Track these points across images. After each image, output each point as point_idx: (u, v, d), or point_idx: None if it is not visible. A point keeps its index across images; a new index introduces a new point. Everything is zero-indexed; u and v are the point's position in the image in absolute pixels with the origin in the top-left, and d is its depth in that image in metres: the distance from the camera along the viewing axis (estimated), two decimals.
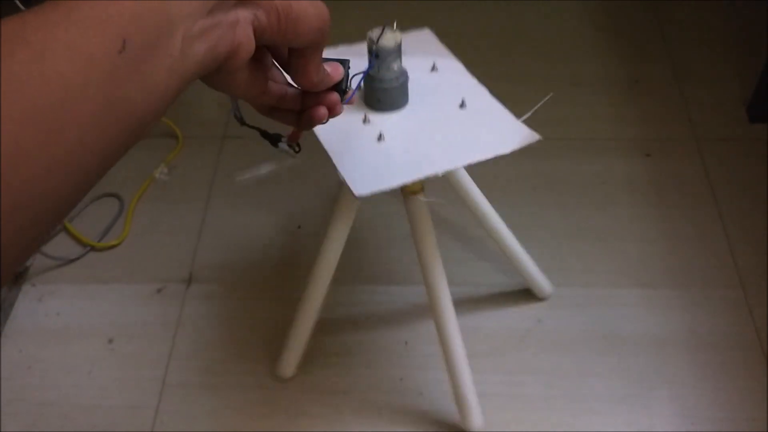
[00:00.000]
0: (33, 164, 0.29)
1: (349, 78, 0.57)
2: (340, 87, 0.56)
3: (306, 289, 0.99)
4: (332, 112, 0.55)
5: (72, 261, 1.25)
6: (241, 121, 0.72)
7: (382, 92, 0.83)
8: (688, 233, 1.24)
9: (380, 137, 0.81)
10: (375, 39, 0.79)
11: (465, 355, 0.95)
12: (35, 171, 0.29)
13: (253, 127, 0.68)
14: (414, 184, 0.83)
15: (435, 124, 0.83)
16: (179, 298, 1.19)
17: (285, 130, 0.61)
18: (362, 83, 0.84)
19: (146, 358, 1.12)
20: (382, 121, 0.83)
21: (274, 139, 0.71)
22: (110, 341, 1.14)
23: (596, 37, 1.61)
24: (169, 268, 1.23)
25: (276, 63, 0.52)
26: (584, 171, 1.34)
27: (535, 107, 0.90)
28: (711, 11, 1.65)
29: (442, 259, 1.05)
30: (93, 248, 1.27)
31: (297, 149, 0.71)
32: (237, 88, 0.46)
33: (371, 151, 0.80)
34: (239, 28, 0.40)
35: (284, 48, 0.50)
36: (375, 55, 0.79)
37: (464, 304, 1.16)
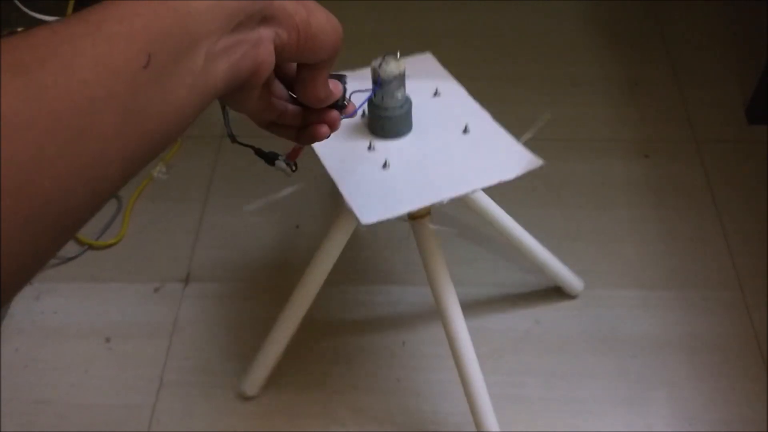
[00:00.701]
0: (54, 172, 0.30)
1: (347, 94, 0.57)
2: (338, 103, 0.56)
3: (286, 308, 0.99)
4: (332, 129, 0.55)
5: (70, 259, 1.25)
6: (233, 139, 0.71)
7: (387, 120, 0.84)
8: (686, 235, 1.23)
9: (385, 164, 0.82)
10: (378, 68, 0.80)
11: (482, 378, 0.94)
12: (56, 179, 0.30)
13: (247, 146, 0.68)
14: (420, 209, 0.83)
15: (439, 150, 0.84)
16: (177, 297, 1.19)
17: (280, 148, 0.61)
18: (366, 110, 0.85)
19: (143, 357, 1.12)
20: (386, 147, 0.84)
21: (270, 158, 0.70)
22: (107, 340, 1.14)
23: (596, 38, 1.61)
24: (167, 267, 1.23)
25: (278, 79, 0.52)
26: (583, 172, 1.34)
27: (534, 129, 0.91)
28: (711, 13, 1.65)
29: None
30: (91, 247, 1.26)
31: (294, 168, 0.71)
32: (251, 105, 0.47)
33: (377, 179, 0.81)
34: (262, 46, 0.40)
35: (293, 64, 0.50)
36: (379, 84, 0.80)
37: (462, 305, 1.16)
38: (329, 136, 0.56)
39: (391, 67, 0.79)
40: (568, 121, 1.43)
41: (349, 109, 0.57)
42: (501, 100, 1.48)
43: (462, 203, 1.00)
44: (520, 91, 1.50)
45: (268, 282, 1.20)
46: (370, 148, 0.84)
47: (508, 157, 0.83)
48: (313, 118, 0.54)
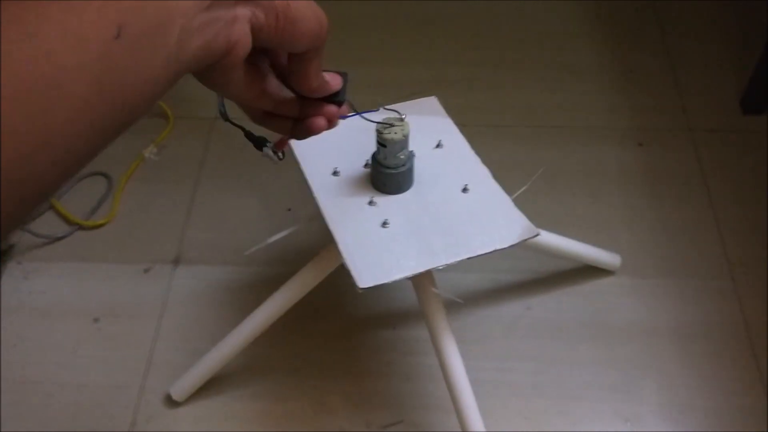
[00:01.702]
0: (20, 142, 0.29)
1: (345, 92, 0.56)
2: (339, 99, 0.55)
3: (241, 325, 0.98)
4: (330, 124, 0.55)
5: (59, 239, 1.24)
6: (225, 117, 0.71)
7: (388, 177, 0.86)
8: (679, 223, 1.23)
9: (385, 223, 0.83)
10: (383, 133, 0.81)
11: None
12: (22, 149, 0.29)
13: (238, 126, 0.67)
14: (423, 275, 0.83)
15: (438, 210, 0.86)
16: (166, 279, 1.18)
17: (271, 135, 0.60)
18: (369, 162, 0.88)
19: (132, 337, 1.11)
20: (387, 204, 0.86)
21: (258, 143, 0.70)
22: (96, 320, 1.13)
23: (592, 26, 1.60)
24: (157, 248, 1.22)
25: (273, 68, 0.51)
26: (577, 159, 1.34)
27: (527, 185, 0.92)
28: (708, 2, 1.65)
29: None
30: (80, 227, 1.26)
31: (281, 156, 0.70)
32: (231, 88, 0.46)
33: (376, 238, 0.83)
34: (237, 25, 0.40)
35: (284, 53, 0.49)
36: (383, 145, 0.82)
37: (454, 290, 1.16)
38: (325, 130, 0.55)
39: (396, 129, 0.81)
40: (562, 109, 1.43)
41: (343, 110, 0.56)
42: (497, 86, 1.48)
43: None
44: (515, 77, 1.49)
45: (258, 265, 1.19)
46: (371, 203, 0.86)
47: (505, 223, 0.85)
48: (310, 110, 0.53)
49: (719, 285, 1.15)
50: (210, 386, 1.05)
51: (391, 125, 0.82)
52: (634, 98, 1.45)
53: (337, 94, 0.54)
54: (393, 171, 0.85)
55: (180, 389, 1.02)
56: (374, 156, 0.85)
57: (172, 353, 1.09)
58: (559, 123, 1.40)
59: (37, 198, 0.32)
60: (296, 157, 0.90)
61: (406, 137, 0.82)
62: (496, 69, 1.51)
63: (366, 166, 0.90)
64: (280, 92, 0.51)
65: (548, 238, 1.04)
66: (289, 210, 1.27)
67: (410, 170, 0.86)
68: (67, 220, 1.26)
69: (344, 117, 0.58)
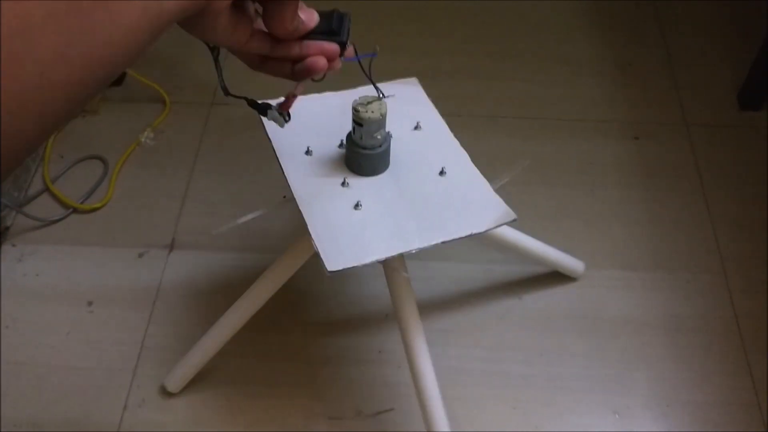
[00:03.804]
0: None
1: (346, 30, 0.54)
2: (339, 39, 0.53)
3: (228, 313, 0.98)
4: (331, 65, 0.53)
5: (54, 222, 1.24)
6: (226, 91, 0.70)
7: (364, 158, 0.82)
8: (673, 217, 1.24)
9: (357, 205, 0.80)
10: (360, 111, 0.78)
11: (446, 420, 0.92)
12: None
13: (239, 97, 0.67)
14: (393, 258, 0.79)
15: (413, 193, 0.82)
16: (161, 264, 1.18)
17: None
18: (344, 142, 0.84)
19: (125, 321, 1.12)
20: (361, 186, 0.83)
21: (262, 108, 0.69)
22: (89, 304, 1.14)
23: (590, 19, 1.60)
24: (152, 233, 1.23)
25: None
26: (572, 152, 1.34)
27: (511, 174, 0.90)
28: None
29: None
30: (75, 210, 1.26)
31: (287, 118, 0.70)
32: (219, 34, 0.45)
33: (347, 221, 0.79)
34: None
35: None
36: (359, 124, 0.79)
37: (447, 279, 1.16)
38: (326, 71, 0.53)
39: (373, 107, 0.78)
40: (558, 101, 1.43)
41: (349, 52, 0.55)
42: (493, 77, 1.48)
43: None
44: (512, 69, 1.49)
45: (253, 251, 1.20)
46: (344, 184, 0.83)
47: (481, 207, 0.81)
48: (309, 50, 0.52)
49: (711, 279, 1.16)
50: (202, 373, 1.05)
51: (368, 102, 0.78)
52: (631, 92, 1.45)
53: (336, 33, 0.53)
54: (369, 152, 0.81)
55: (173, 381, 1.03)
56: (350, 136, 0.82)
57: (165, 338, 1.10)
58: (554, 115, 1.40)
59: (14, 157, 0.31)
60: (267, 135, 0.87)
61: (383, 117, 0.78)
62: (492, 60, 1.51)
63: (341, 146, 0.86)
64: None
65: (514, 236, 1.03)
66: (285, 197, 1.27)
67: (386, 152, 0.83)
68: (62, 203, 1.26)
69: (348, 60, 0.56)
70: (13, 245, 1.21)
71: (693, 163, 1.31)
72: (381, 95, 0.76)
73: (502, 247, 1.05)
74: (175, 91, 1.43)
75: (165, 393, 1.04)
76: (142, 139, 1.36)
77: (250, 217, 0.90)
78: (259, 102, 0.65)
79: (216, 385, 1.05)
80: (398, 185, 0.83)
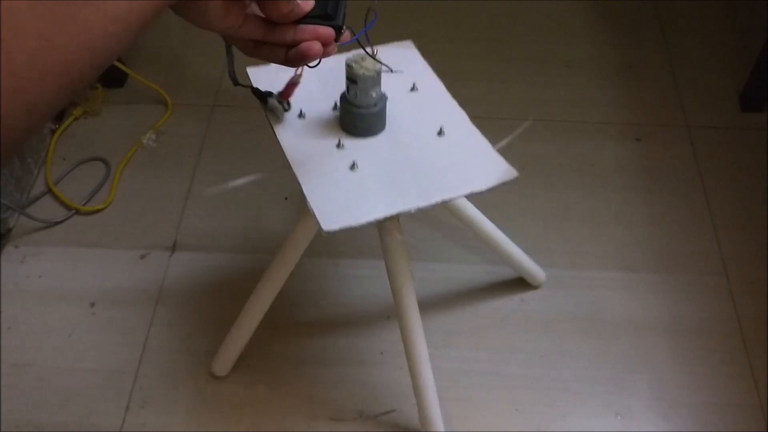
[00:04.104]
0: None
1: (342, 15, 0.53)
2: (335, 24, 0.52)
3: (253, 296, 0.98)
4: (326, 50, 0.52)
5: (56, 224, 1.24)
6: (235, 81, 0.71)
7: (359, 118, 0.80)
8: (675, 219, 1.24)
9: (353, 166, 0.78)
10: (353, 66, 0.76)
11: (433, 380, 0.93)
12: None
13: (244, 86, 0.67)
14: (389, 219, 0.77)
15: (411, 153, 0.80)
16: (163, 265, 1.18)
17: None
18: (338, 103, 0.81)
19: (128, 323, 1.12)
20: (356, 147, 0.80)
21: (263, 96, 0.70)
22: (92, 305, 1.14)
23: (592, 20, 1.60)
24: (154, 234, 1.23)
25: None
26: (574, 153, 1.34)
27: (513, 135, 0.88)
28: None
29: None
30: (78, 212, 1.26)
31: (287, 107, 0.70)
32: (211, 19, 0.45)
33: (343, 181, 0.77)
34: None
35: None
36: (353, 81, 0.77)
37: (449, 280, 1.16)
38: (321, 56, 0.52)
39: (367, 64, 0.76)
40: (560, 102, 1.43)
41: (345, 37, 0.54)
42: (494, 79, 1.48)
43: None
44: (513, 70, 1.49)
45: (256, 253, 1.20)
46: (339, 145, 0.80)
47: (482, 165, 0.79)
48: (304, 35, 0.51)
49: (713, 281, 1.16)
50: (204, 374, 1.05)
51: (361, 58, 0.76)
52: (633, 93, 1.45)
53: (331, 17, 0.52)
54: (363, 111, 0.78)
55: (220, 365, 1.04)
56: (344, 96, 0.79)
57: (167, 339, 1.10)
58: (556, 117, 1.40)
59: (10, 146, 0.30)
60: (259, 99, 0.83)
61: (378, 74, 0.76)
62: (494, 61, 1.51)
63: (334, 108, 0.83)
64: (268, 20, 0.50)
65: (486, 228, 1.03)
66: (286, 199, 1.27)
67: (382, 111, 0.80)
68: (64, 204, 1.26)
69: (344, 44, 0.55)
70: (16, 247, 1.21)
71: (694, 164, 1.31)
72: (374, 54, 0.74)
73: (479, 238, 1.05)
74: (177, 93, 1.43)
75: (167, 394, 1.04)
76: (144, 141, 1.36)
77: (243, 181, 0.87)
78: (262, 90, 0.65)
79: (218, 386, 1.05)
80: (395, 146, 0.81)
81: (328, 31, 0.51)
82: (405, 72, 0.88)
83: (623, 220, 1.24)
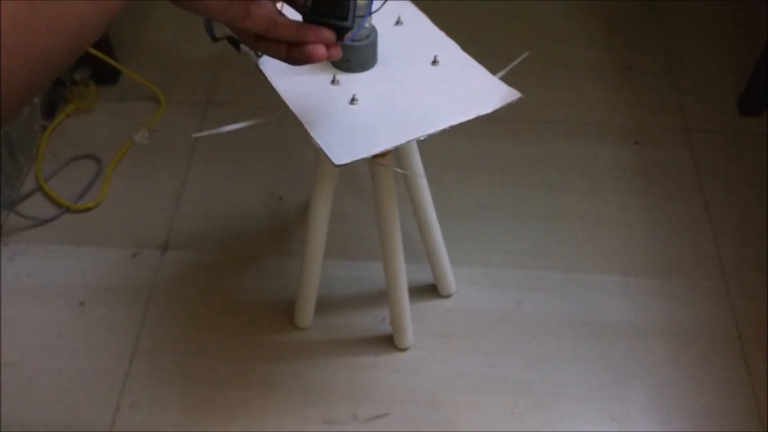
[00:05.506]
0: None
1: (354, 17, 0.52)
2: (346, 25, 0.51)
3: (305, 250, 0.98)
4: (329, 52, 0.52)
5: (46, 222, 1.22)
6: (213, 37, 0.70)
7: (353, 51, 0.77)
8: (673, 223, 1.23)
9: (353, 100, 0.76)
10: None
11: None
12: None
13: (221, 39, 0.66)
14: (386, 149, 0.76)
15: (408, 84, 0.78)
16: (154, 264, 1.17)
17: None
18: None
19: (118, 322, 1.10)
20: (352, 82, 0.78)
21: (236, 42, 0.69)
22: (82, 304, 1.12)
23: (591, 23, 1.59)
24: (146, 233, 1.21)
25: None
26: (572, 155, 1.33)
27: (511, 65, 0.87)
28: (707, 2, 1.64)
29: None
30: (68, 210, 1.24)
31: (259, 54, 0.69)
32: (211, 8, 0.44)
33: (345, 116, 0.75)
34: None
35: None
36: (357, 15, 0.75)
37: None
38: (325, 59, 0.52)
39: None
40: (559, 104, 1.42)
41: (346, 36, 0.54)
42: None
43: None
44: (512, 73, 1.48)
45: (248, 253, 1.18)
46: (333, 82, 0.78)
47: (483, 90, 0.78)
48: (309, 35, 0.51)
49: (711, 285, 1.15)
50: (194, 373, 1.04)
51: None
52: (632, 97, 1.44)
53: (343, 17, 0.51)
54: (356, 44, 0.76)
55: (301, 317, 1.08)
56: (369, 15, 0.76)
57: (158, 339, 1.08)
58: (555, 119, 1.39)
59: None
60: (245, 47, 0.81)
61: (368, 1, 0.72)
62: (492, 63, 1.50)
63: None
64: (273, 14, 0.50)
65: (430, 223, 1.02)
66: (281, 199, 1.25)
67: (374, 44, 0.78)
68: (55, 202, 1.25)
69: (345, 42, 0.54)
70: (5, 245, 1.19)
71: (693, 168, 1.31)
72: None
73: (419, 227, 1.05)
74: (171, 90, 1.42)
75: (157, 394, 1.02)
76: (137, 139, 1.34)
77: (236, 126, 0.84)
78: (237, 38, 0.65)
79: (209, 387, 1.03)
80: (391, 78, 0.79)
81: (330, 34, 0.51)
82: (386, 7, 0.88)
83: (621, 224, 1.23)
